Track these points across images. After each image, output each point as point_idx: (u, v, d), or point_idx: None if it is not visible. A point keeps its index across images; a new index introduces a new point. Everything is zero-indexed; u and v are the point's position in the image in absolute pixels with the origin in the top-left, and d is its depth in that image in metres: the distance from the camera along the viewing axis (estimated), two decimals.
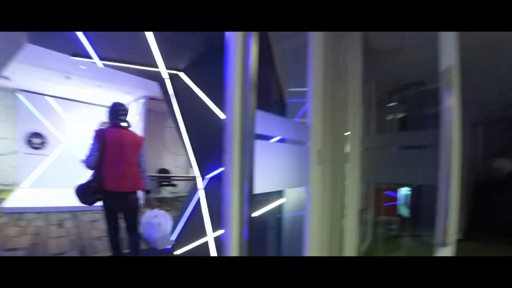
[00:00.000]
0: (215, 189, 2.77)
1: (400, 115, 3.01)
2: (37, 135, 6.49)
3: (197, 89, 2.70)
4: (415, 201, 3.75)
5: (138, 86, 5.09)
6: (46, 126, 6.59)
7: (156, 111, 7.07)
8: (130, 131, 2.32)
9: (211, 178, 2.81)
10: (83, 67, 3.90)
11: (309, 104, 1.37)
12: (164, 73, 2.87)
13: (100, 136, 2.16)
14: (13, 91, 6.25)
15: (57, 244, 3.31)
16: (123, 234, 2.30)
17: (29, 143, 6.40)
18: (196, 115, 2.91)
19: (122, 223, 2.28)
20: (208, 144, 2.79)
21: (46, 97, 6.54)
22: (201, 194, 2.93)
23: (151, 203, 2.43)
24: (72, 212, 4.86)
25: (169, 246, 2.71)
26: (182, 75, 2.84)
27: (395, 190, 3.74)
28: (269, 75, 1.78)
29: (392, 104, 2.92)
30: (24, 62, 4.31)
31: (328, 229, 1.58)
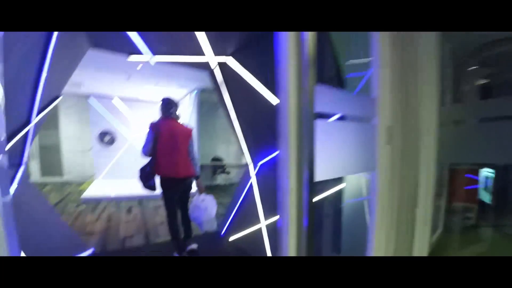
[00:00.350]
0: (267, 176, 2.72)
1: (482, 81, 2.49)
2: (106, 133, 7.27)
3: (246, 74, 2.61)
4: (498, 185, 3.15)
5: (190, 79, 5.27)
6: (113, 125, 7.34)
7: (208, 102, 7.33)
8: (180, 123, 2.59)
9: (263, 165, 2.78)
10: (141, 64, 4.13)
11: (375, 73, 1.19)
12: (213, 61, 2.86)
13: (155, 127, 2.44)
14: (85, 95, 7.06)
15: (126, 228, 3.68)
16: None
17: (101, 140, 7.21)
18: (246, 101, 2.87)
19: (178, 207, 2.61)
20: (260, 130, 2.74)
21: (112, 99, 7.25)
22: (253, 181, 2.91)
23: (200, 188, 2.68)
24: (139, 199, 5.35)
25: (214, 229, 2.89)
26: (230, 60, 2.78)
27: (474, 172, 3.20)
28: (325, 46, 1.61)
29: (472, 68, 2.44)
30: (90, 67, 4.79)
31: (397, 219, 1.39)
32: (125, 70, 4.66)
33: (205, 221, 2.61)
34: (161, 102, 2.58)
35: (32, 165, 7.01)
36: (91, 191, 5.70)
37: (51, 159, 7.25)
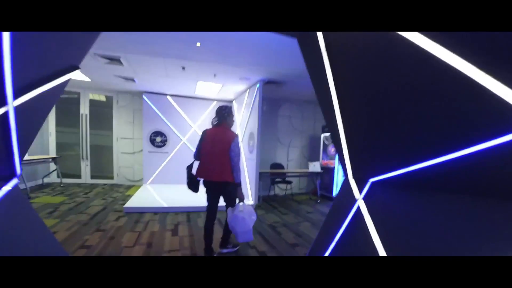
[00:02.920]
0: (381, 198, 1.62)
1: None
2: (159, 134, 6.66)
3: None
4: None
5: (253, 69, 4.23)
6: (168, 125, 6.71)
7: (269, 98, 6.23)
8: (225, 129, 2.72)
9: (375, 183, 1.64)
10: (198, 44, 3.29)
11: None
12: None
13: (203, 134, 2.78)
14: (140, 93, 6.55)
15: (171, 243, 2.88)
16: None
17: (153, 142, 6.62)
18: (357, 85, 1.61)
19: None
20: (373, 135, 1.51)
21: (167, 96, 6.66)
22: (360, 204, 1.74)
23: (239, 197, 2.70)
24: (187, 213, 4.43)
25: (250, 240, 2.78)
26: None
27: None
28: None
29: None
30: (143, 62, 4.10)
31: None
32: (181, 55, 3.79)
33: (240, 232, 2.59)
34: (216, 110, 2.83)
35: (83, 166, 6.72)
36: (136, 200, 4.97)
37: (101, 160, 6.90)
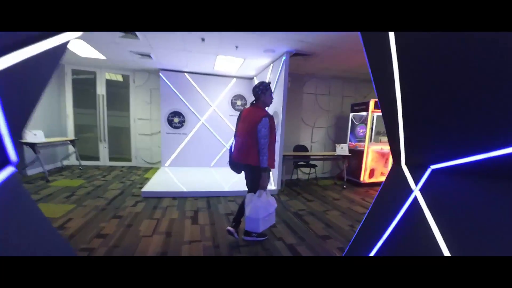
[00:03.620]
0: (446, 189, 1.38)
1: None
2: (176, 114, 6.36)
3: None
4: None
5: (280, 37, 3.72)
6: (186, 104, 6.38)
7: (293, 74, 5.69)
8: (257, 108, 2.51)
9: (436, 170, 1.42)
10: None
11: None
12: None
13: (240, 113, 2.69)
14: (156, 71, 6.21)
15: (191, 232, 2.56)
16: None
17: (170, 122, 6.34)
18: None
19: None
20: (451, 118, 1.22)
21: (185, 74, 6.29)
22: (418, 195, 1.46)
23: (262, 183, 2.42)
24: (208, 198, 4.16)
25: (256, 231, 2.49)
26: None
27: None
28: None
29: None
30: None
31: None
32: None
33: (248, 219, 2.40)
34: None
35: (101, 148, 6.60)
36: (154, 183, 4.75)
37: (120, 142, 6.75)
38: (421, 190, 1.43)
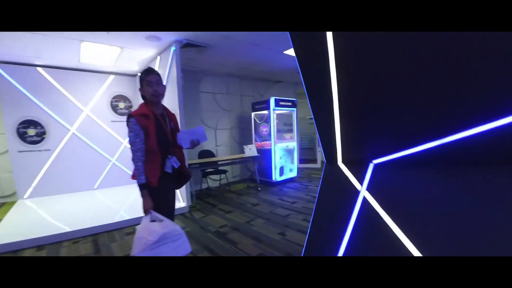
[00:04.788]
0: (393, 182, 1.30)
1: None
2: (31, 123, 4.65)
3: None
4: None
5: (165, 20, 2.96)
6: (44, 110, 4.76)
7: (186, 70, 4.95)
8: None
9: (378, 165, 1.38)
10: None
11: None
12: None
13: None
14: None
15: None
16: None
17: (22, 136, 4.59)
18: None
19: None
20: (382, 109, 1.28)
21: (37, 68, 4.65)
22: (366, 196, 1.36)
23: (143, 205, 1.67)
24: (93, 236, 3.02)
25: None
26: None
27: None
28: None
29: None
30: None
31: None
32: None
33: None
34: None
35: None
36: (6, 228, 3.23)
37: None
38: (368, 189, 1.34)
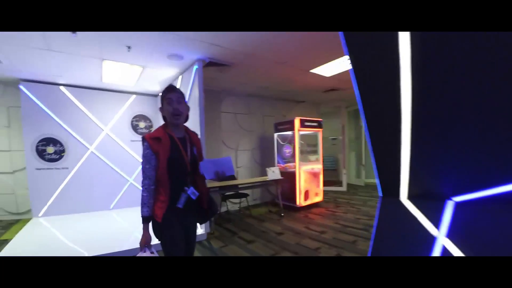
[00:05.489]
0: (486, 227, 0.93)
1: None
2: (51, 141, 4.60)
3: None
4: None
5: (189, 37, 2.79)
6: (64, 128, 4.71)
7: (208, 90, 4.78)
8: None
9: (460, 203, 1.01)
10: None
11: None
12: None
13: None
14: (14, 82, 4.36)
15: None
16: None
17: (41, 154, 4.53)
18: None
19: None
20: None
21: (60, 87, 4.66)
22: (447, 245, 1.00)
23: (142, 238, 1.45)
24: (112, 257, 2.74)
25: None
26: None
27: None
28: None
29: None
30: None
31: None
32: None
33: None
34: None
35: None
36: (18, 248, 3.04)
37: None
38: (448, 235, 1.01)
